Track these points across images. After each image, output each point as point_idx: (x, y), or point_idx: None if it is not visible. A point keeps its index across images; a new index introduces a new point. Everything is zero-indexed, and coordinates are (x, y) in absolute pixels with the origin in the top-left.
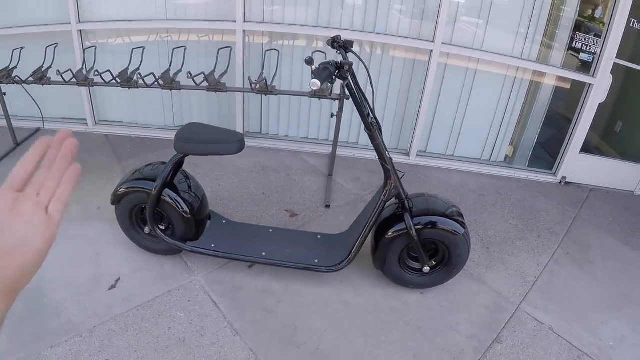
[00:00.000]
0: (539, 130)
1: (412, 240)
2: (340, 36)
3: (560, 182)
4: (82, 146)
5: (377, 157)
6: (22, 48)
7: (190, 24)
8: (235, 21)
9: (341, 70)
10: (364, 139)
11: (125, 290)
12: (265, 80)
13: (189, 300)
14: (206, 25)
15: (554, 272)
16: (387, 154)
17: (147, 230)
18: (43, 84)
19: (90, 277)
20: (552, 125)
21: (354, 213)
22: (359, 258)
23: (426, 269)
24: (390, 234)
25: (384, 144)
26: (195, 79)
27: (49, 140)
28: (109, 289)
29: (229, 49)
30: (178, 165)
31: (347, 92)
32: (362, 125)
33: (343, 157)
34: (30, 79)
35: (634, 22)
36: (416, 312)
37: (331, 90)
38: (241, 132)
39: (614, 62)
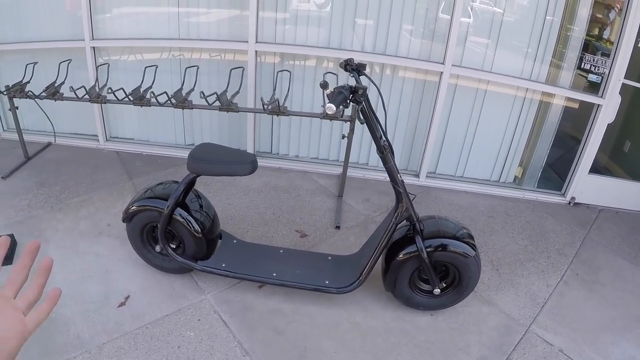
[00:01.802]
0: (548, 151)
1: (423, 262)
2: (353, 59)
3: (569, 202)
4: (92, 162)
5: (388, 179)
6: (35, 63)
7: (202, 44)
8: (247, 41)
9: (355, 94)
10: (374, 159)
11: (134, 307)
12: (277, 101)
13: (199, 320)
14: (218, 45)
15: (564, 293)
16: (399, 177)
17: (158, 248)
18: (56, 100)
19: (99, 294)
20: (561, 145)
21: (364, 234)
22: (369, 280)
23: (437, 291)
24: (401, 256)
25: (396, 167)
26: (207, 98)
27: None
28: (119, 306)
29: (242, 69)
30: (190, 184)
31: (360, 116)
32: (373, 146)
33: (353, 178)
34: (43, 94)
35: None
36: (426, 334)
37: (343, 112)
38: (252, 151)
39: (623, 83)
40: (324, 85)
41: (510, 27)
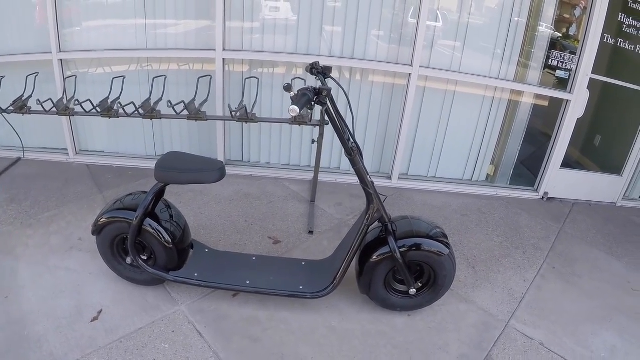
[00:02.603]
0: (519, 148)
1: (397, 263)
2: (318, 62)
3: (543, 198)
4: (62, 176)
5: (359, 182)
6: (2, 77)
7: (170, 53)
8: (215, 49)
9: (320, 95)
10: (345, 164)
11: (108, 321)
12: (246, 108)
13: (173, 331)
14: (186, 54)
15: (541, 287)
16: (368, 178)
17: (129, 260)
18: (23, 114)
19: (72, 309)
20: (532, 142)
21: (338, 238)
22: (344, 283)
23: (412, 291)
24: (374, 257)
25: (365, 169)
26: (175, 108)
27: None
28: (92, 321)
29: (209, 77)
30: (159, 194)
31: (326, 118)
32: (343, 151)
33: (325, 183)
34: (11, 108)
35: (607, 38)
36: (404, 335)
37: (311, 116)
38: (222, 160)
39: (590, 78)
40: (288, 88)
41: (478, 29)
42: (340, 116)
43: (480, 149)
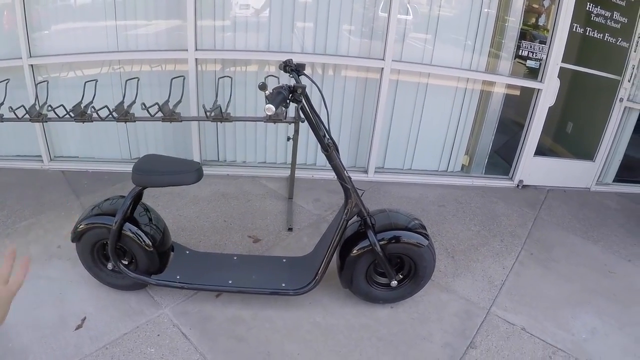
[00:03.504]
0: (493, 138)
1: (377, 256)
2: (291, 60)
3: (518, 185)
4: (38, 184)
5: (336, 177)
6: None
7: (142, 55)
8: (187, 50)
9: (294, 93)
10: (322, 160)
11: (92, 329)
12: (220, 107)
13: (159, 335)
14: (158, 55)
15: (520, 273)
16: (345, 173)
17: (110, 266)
18: None
19: (55, 318)
20: (505, 131)
21: (317, 234)
22: (326, 278)
23: (394, 283)
24: (355, 251)
25: (342, 164)
26: (149, 110)
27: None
28: (76, 329)
29: (182, 78)
30: (137, 198)
31: (301, 115)
32: (319, 147)
33: (302, 179)
34: None
35: (576, 27)
36: (388, 327)
37: (286, 114)
38: (198, 160)
39: (560, 66)
40: (263, 87)
41: (448, 22)
42: (315, 113)
43: (455, 139)
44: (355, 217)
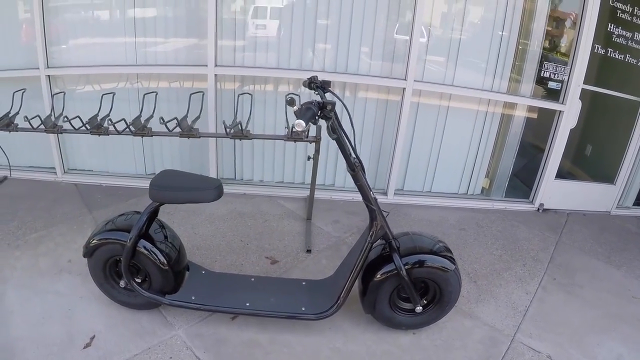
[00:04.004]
0: (514, 160)
1: (402, 280)
2: (317, 77)
3: (538, 209)
4: (50, 196)
5: (355, 199)
6: None
7: (160, 69)
8: (207, 65)
9: (324, 109)
10: (340, 180)
11: (101, 348)
12: (240, 124)
13: (171, 357)
14: (177, 70)
15: (544, 299)
16: (371, 194)
17: (122, 283)
18: (10, 131)
19: (63, 335)
20: (525, 154)
21: (337, 257)
22: (346, 303)
23: (419, 308)
24: (379, 276)
25: (368, 184)
26: (167, 124)
27: None
28: (84, 348)
29: (201, 93)
30: (153, 214)
31: (331, 131)
32: (338, 167)
33: (321, 200)
34: None
35: (597, 48)
36: (411, 354)
37: (308, 132)
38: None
39: (582, 88)
40: (291, 102)
41: (469, 44)
42: (343, 130)
43: (475, 162)
44: (379, 240)
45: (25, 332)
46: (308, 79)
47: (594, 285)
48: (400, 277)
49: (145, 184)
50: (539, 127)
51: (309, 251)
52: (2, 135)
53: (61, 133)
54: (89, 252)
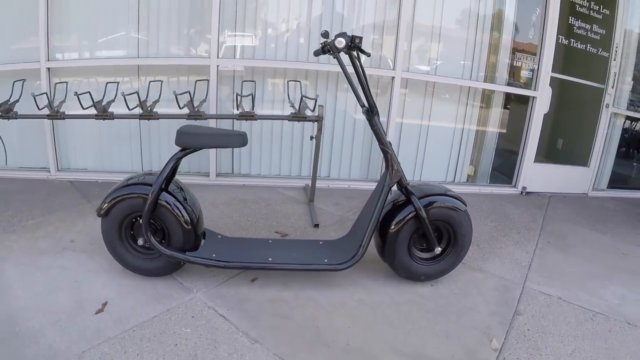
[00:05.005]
0: (495, 148)
1: (422, 221)
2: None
3: (522, 192)
4: (44, 190)
5: (355, 186)
6: None
7: (163, 61)
8: (209, 57)
9: (354, 41)
10: (335, 172)
11: (115, 313)
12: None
13: (193, 316)
14: (180, 62)
15: (543, 257)
16: (386, 138)
17: (140, 241)
18: (9, 118)
19: (71, 304)
20: (504, 145)
21: (343, 229)
22: (364, 262)
23: (438, 249)
24: (397, 222)
25: (383, 129)
26: (178, 97)
27: None
28: (96, 313)
29: (206, 81)
30: (176, 166)
31: (356, 63)
32: (333, 160)
33: (318, 189)
34: None
35: (561, 39)
36: (433, 301)
37: (315, 105)
38: (214, 174)
39: (551, 76)
40: (325, 34)
41: (449, 42)
42: (364, 72)
43: (459, 151)
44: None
45: (29, 303)
46: (350, 36)
47: (586, 246)
48: (420, 218)
49: None
50: (515, 120)
51: (316, 226)
52: None
53: (64, 119)
54: (106, 210)
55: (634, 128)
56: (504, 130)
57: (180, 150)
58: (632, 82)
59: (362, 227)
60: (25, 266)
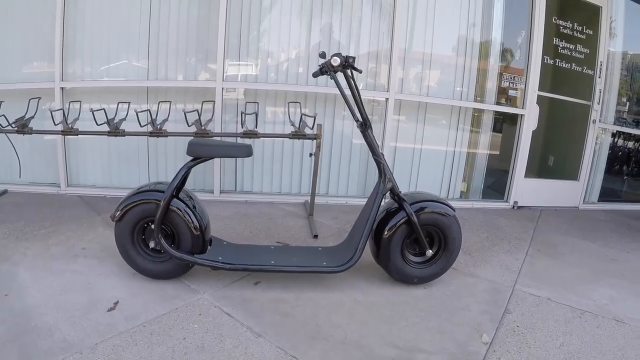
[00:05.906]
0: (486, 164)
1: (413, 226)
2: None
3: (513, 206)
4: (55, 204)
5: (353, 202)
6: (1, 102)
7: (172, 83)
8: (215, 80)
9: (348, 60)
10: (334, 189)
11: (126, 310)
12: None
13: (200, 314)
14: (187, 84)
15: (533, 263)
16: (379, 150)
17: (152, 244)
18: (24, 133)
19: (84, 302)
20: (495, 163)
21: (342, 240)
22: (361, 268)
23: (429, 252)
24: (390, 227)
25: (376, 141)
26: (187, 115)
27: None
28: (108, 311)
29: (212, 102)
30: (187, 176)
31: (350, 81)
32: (331, 176)
33: (317, 204)
34: (11, 127)
35: (547, 59)
36: (426, 302)
37: (314, 123)
38: (218, 191)
39: (538, 94)
40: (323, 55)
41: (440, 65)
42: (357, 88)
43: (452, 168)
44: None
45: (43, 301)
46: (344, 56)
47: (575, 253)
48: (412, 223)
49: None
50: (504, 139)
51: (315, 237)
52: (4, 149)
53: (77, 135)
54: (121, 215)
55: (623, 144)
56: (496, 150)
57: (191, 160)
58: (617, 98)
59: (358, 233)
60: (39, 270)
